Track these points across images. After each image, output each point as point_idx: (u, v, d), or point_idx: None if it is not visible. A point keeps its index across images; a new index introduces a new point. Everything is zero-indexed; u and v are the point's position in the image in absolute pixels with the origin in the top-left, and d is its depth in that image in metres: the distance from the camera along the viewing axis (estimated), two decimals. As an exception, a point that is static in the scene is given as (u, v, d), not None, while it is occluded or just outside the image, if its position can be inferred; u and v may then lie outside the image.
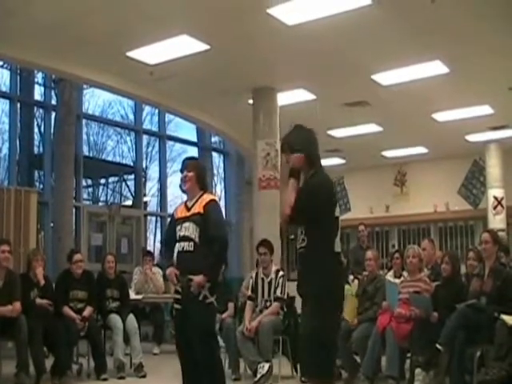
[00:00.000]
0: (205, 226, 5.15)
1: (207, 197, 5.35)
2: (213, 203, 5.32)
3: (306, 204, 4.23)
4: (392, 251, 9.78)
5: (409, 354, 6.73)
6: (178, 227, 5.27)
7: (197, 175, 5.37)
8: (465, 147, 14.90)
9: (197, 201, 5.30)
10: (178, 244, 5.24)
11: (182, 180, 5.39)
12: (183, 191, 5.46)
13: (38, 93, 14.78)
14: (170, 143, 18.83)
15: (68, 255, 8.04)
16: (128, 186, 18.55)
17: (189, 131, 18.83)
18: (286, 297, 7.62)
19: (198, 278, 5.02)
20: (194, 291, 5.04)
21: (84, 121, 15.91)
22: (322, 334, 4.12)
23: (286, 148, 4.50)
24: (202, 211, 5.21)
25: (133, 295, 9.47)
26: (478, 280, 6.47)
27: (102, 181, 18.93)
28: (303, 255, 4.34)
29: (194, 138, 18.94)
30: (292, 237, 19.41)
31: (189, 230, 5.19)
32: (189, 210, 5.31)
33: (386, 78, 10.48)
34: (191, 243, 5.16)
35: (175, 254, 5.26)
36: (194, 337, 5.09)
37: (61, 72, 10.74)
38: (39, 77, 14.62)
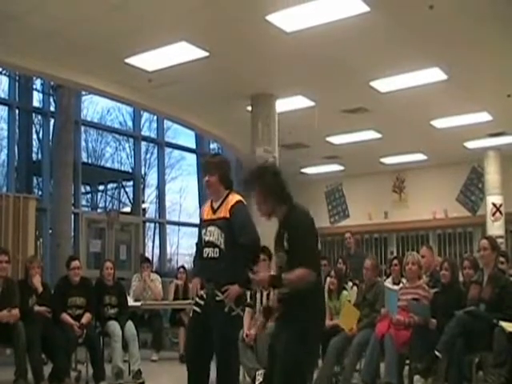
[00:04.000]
0: (231, 231, 4.88)
1: (233, 198, 5.03)
2: (238, 205, 4.97)
3: (311, 241, 4.16)
4: (390, 258, 9.76)
5: (407, 361, 6.72)
6: (204, 230, 5.03)
7: (220, 176, 5.04)
8: (463, 154, 14.91)
9: (222, 202, 5.02)
10: (203, 249, 5.01)
11: (205, 186, 5.14)
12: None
13: (36, 99, 14.83)
14: (168, 150, 18.88)
15: (66, 262, 8.03)
16: (126, 193, 18.55)
17: (187, 138, 18.87)
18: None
19: (233, 291, 4.81)
20: (227, 303, 4.82)
21: (82, 127, 15.93)
22: (304, 364, 4.06)
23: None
24: (227, 215, 4.93)
25: (131, 302, 9.45)
26: (477, 287, 6.46)
27: (101, 187, 18.92)
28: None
29: (193, 145, 18.96)
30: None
31: (214, 235, 4.93)
32: (214, 212, 5.03)
33: (385, 84, 10.49)
34: (216, 249, 4.90)
35: (200, 259, 5.06)
36: (216, 348, 4.90)
37: (59, 79, 10.74)
38: (38, 83, 14.64)
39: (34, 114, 14.95)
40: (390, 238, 17.86)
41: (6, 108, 13.89)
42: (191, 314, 5.16)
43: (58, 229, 13.20)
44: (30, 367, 6.93)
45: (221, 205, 5.02)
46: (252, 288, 4.95)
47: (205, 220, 5.07)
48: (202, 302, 4.96)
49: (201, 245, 5.07)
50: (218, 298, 4.82)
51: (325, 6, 7.71)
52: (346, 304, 7.60)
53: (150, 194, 19.76)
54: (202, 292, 4.96)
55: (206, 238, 4.97)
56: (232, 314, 4.88)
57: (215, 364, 4.91)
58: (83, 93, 14.71)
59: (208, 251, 4.94)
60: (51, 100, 14.43)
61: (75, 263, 7.90)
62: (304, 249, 4.02)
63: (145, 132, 18.33)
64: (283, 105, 11.38)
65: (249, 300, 7.67)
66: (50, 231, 13.53)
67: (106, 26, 8.42)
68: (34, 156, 15.19)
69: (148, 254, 17.18)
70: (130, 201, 18.11)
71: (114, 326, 7.95)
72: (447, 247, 16.80)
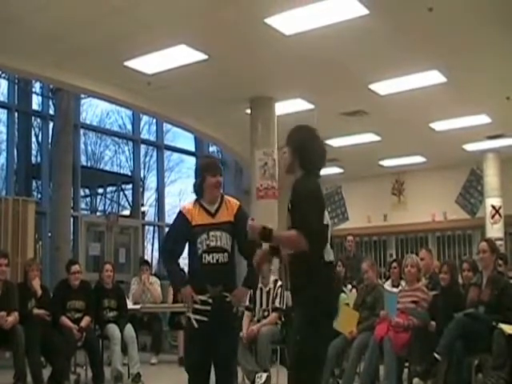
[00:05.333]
0: (235, 235, 4.81)
1: (233, 202, 4.97)
2: (243, 209, 4.96)
3: (314, 210, 4.03)
4: (390, 260, 9.77)
5: (407, 364, 6.72)
6: (204, 236, 4.77)
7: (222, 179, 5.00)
8: (462, 156, 14.93)
9: (220, 205, 4.89)
10: (205, 254, 4.76)
11: (214, 185, 4.88)
12: (200, 192, 4.93)
13: (35, 102, 14.80)
14: (167, 153, 18.87)
15: (66, 266, 8.03)
16: (126, 196, 18.56)
17: (187, 141, 18.87)
18: (284, 307, 7.61)
19: (241, 292, 4.83)
20: (235, 304, 4.78)
21: (82, 130, 15.91)
22: (310, 348, 3.94)
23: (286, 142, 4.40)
24: (232, 219, 4.84)
25: (130, 305, 9.44)
26: (476, 289, 6.47)
27: (100, 190, 18.92)
28: (291, 264, 4.13)
29: (192, 148, 18.95)
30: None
31: (222, 239, 4.77)
32: (213, 216, 4.86)
33: (384, 87, 10.50)
34: (226, 254, 4.77)
35: (200, 265, 4.78)
36: (228, 348, 4.79)
37: (59, 82, 10.75)
38: (37, 86, 14.62)
39: (33, 117, 14.94)
40: (390, 241, 17.87)
41: (6, 111, 13.85)
42: (195, 325, 4.75)
43: (58, 232, 13.19)
44: (29, 370, 6.93)
45: (219, 208, 4.89)
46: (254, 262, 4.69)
47: (203, 224, 4.83)
48: (208, 308, 4.71)
49: (196, 250, 4.80)
50: (227, 300, 4.73)
51: (324, 8, 7.71)
52: (343, 308, 7.59)
53: (150, 196, 19.79)
54: (202, 297, 4.73)
55: (212, 244, 4.77)
56: (238, 315, 4.90)
57: (215, 365, 4.84)
58: (82, 96, 14.69)
59: (218, 256, 4.76)
60: (50, 103, 14.43)
61: (75, 267, 7.89)
62: (300, 214, 3.98)
63: (144, 135, 18.35)
64: (282, 107, 11.38)
65: (248, 303, 7.69)
66: (50, 234, 13.52)
67: (105, 29, 8.42)
68: (34, 159, 15.18)
69: (147, 257, 17.18)
70: (129, 204, 18.12)
71: (113, 328, 7.95)
72: (446, 250, 16.81)
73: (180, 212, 4.96)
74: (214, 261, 4.76)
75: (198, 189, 4.95)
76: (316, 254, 4.00)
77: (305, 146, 4.29)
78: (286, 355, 7.51)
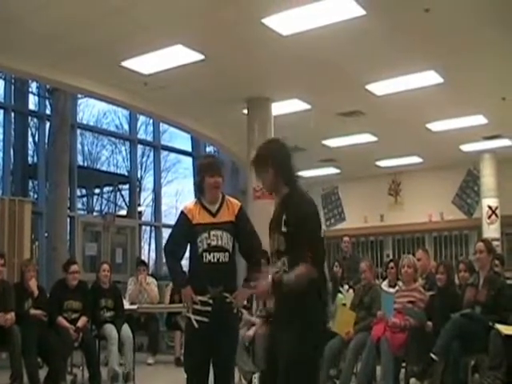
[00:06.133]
0: (236, 234, 4.81)
1: (234, 202, 4.97)
2: (243, 210, 4.96)
3: (313, 225, 3.86)
4: (386, 261, 9.78)
5: (404, 364, 6.72)
6: (205, 234, 4.78)
7: (223, 179, 4.95)
8: (459, 157, 14.95)
9: (221, 205, 4.90)
10: (206, 254, 4.75)
11: (212, 186, 4.86)
12: (201, 192, 4.95)
13: (32, 102, 14.83)
14: (164, 153, 18.89)
15: (64, 265, 8.00)
16: (122, 196, 18.57)
17: (183, 141, 18.91)
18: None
19: (242, 293, 4.79)
20: (236, 306, 4.74)
21: (78, 130, 15.92)
22: (310, 362, 3.79)
23: (258, 162, 4.10)
24: (233, 219, 4.84)
25: (127, 305, 9.43)
26: (473, 289, 6.48)
27: (97, 190, 18.94)
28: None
29: (189, 148, 18.97)
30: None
31: (222, 239, 4.77)
32: (214, 215, 4.86)
33: (380, 87, 10.50)
34: (227, 254, 4.76)
35: (201, 264, 4.78)
36: (227, 349, 4.80)
37: (55, 82, 10.74)
38: (33, 86, 14.63)
39: (29, 117, 14.96)
40: (386, 241, 17.88)
41: (2, 111, 13.86)
42: (195, 325, 4.73)
43: (54, 232, 13.19)
44: (26, 371, 6.90)
45: (220, 208, 4.90)
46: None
47: (204, 223, 4.83)
48: (208, 309, 4.70)
49: (197, 249, 4.81)
50: (228, 300, 4.69)
51: (321, 9, 7.71)
52: (340, 308, 7.60)
53: (146, 197, 19.81)
54: (202, 298, 4.71)
55: (213, 243, 4.77)
56: (239, 315, 4.86)
57: (215, 365, 4.83)
58: (79, 96, 14.69)
59: (218, 256, 4.75)
60: (47, 103, 14.43)
61: (74, 267, 7.87)
62: (305, 232, 3.76)
63: (141, 135, 18.36)
64: (279, 108, 11.39)
65: (246, 303, 7.68)
66: (46, 234, 13.52)
67: (101, 30, 8.41)
68: (30, 159, 15.19)
69: (144, 257, 17.18)
70: (125, 204, 18.13)
71: (110, 329, 7.94)
72: (443, 250, 16.83)
73: (181, 212, 4.97)
74: (215, 260, 4.75)
75: (198, 189, 4.98)
76: (320, 276, 3.81)
77: (285, 162, 4.04)
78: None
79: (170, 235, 5.09)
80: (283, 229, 3.81)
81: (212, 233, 4.78)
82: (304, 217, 3.80)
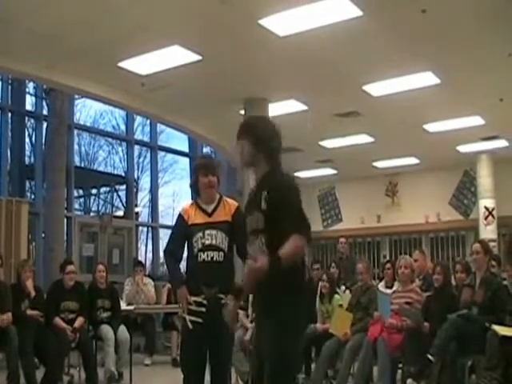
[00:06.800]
0: (232, 235, 4.79)
1: (231, 202, 4.98)
2: (241, 211, 4.74)
3: (297, 201, 3.65)
4: (383, 262, 9.79)
5: (400, 365, 6.73)
6: (200, 234, 4.79)
7: (218, 179, 4.95)
8: (456, 158, 14.95)
9: (217, 205, 4.91)
10: (200, 253, 4.78)
11: (207, 185, 4.88)
12: (196, 193, 5.00)
13: (29, 103, 14.81)
14: (161, 154, 18.89)
15: (61, 265, 8.01)
16: (119, 197, 18.55)
17: (180, 142, 18.88)
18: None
19: (232, 311, 4.50)
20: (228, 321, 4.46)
21: (75, 131, 15.92)
22: (291, 354, 3.62)
23: (241, 130, 3.95)
24: (229, 219, 4.84)
25: (124, 306, 9.43)
26: (469, 290, 6.48)
27: (94, 191, 18.92)
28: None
29: (186, 149, 18.96)
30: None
31: (217, 238, 4.78)
32: (210, 215, 4.89)
33: (377, 88, 10.51)
34: (221, 253, 4.76)
35: (196, 263, 4.79)
36: (223, 350, 4.78)
37: (52, 82, 10.73)
38: (30, 87, 14.63)
39: (26, 118, 14.95)
40: (383, 242, 17.88)
41: (-1, 111, 13.88)
42: (190, 326, 4.73)
43: (51, 233, 13.17)
44: (23, 372, 6.92)
45: (216, 208, 4.92)
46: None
47: (198, 224, 4.86)
48: (202, 309, 4.70)
49: (192, 248, 4.85)
50: (222, 301, 4.61)
51: (318, 10, 7.71)
52: (337, 310, 7.61)
53: (143, 197, 19.81)
54: (197, 299, 4.72)
55: (207, 242, 4.78)
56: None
57: (211, 366, 4.83)
58: (76, 96, 14.70)
59: (212, 255, 4.76)
60: (44, 103, 14.42)
61: (70, 267, 7.88)
62: (290, 209, 3.56)
63: (138, 136, 18.37)
64: (276, 109, 11.37)
65: (242, 303, 7.68)
66: (43, 235, 13.50)
67: (98, 31, 8.41)
68: (27, 160, 15.18)
69: (141, 258, 17.18)
70: (122, 205, 18.11)
71: (106, 329, 7.95)
72: (440, 251, 16.82)
73: (179, 213, 5.02)
74: (209, 258, 4.76)
75: (194, 189, 5.01)
76: (298, 267, 3.60)
77: (269, 138, 3.82)
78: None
79: (169, 237, 5.12)
80: (263, 206, 3.63)
81: (207, 232, 4.80)
82: (288, 192, 3.63)
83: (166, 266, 5.29)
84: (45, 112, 14.27)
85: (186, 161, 19.56)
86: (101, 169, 20.02)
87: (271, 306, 3.61)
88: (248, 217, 3.84)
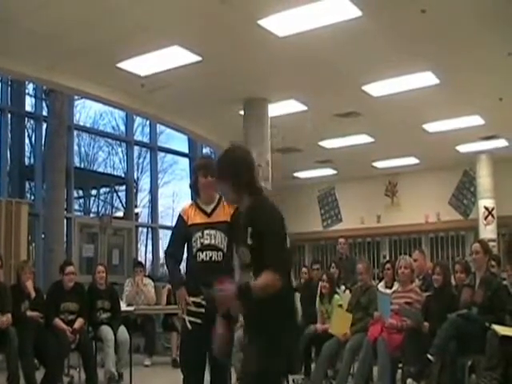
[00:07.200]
0: (231, 235, 4.79)
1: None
2: (240, 212, 4.69)
3: (279, 237, 3.61)
4: (383, 262, 9.80)
5: (400, 365, 6.73)
6: (199, 233, 4.84)
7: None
8: (455, 158, 14.95)
9: (217, 206, 4.95)
10: (199, 253, 4.81)
11: (206, 186, 4.92)
12: (196, 193, 5.04)
13: (29, 104, 14.79)
14: (161, 154, 18.88)
15: (60, 266, 8.02)
16: (119, 197, 18.53)
17: (180, 142, 18.86)
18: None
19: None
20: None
21: (75, 132, 15.90)
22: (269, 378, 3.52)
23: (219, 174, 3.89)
24: (228, 219, 4.85)
25: (124, 307, 9.44)
26: (469, 290, 6.48)
27: (94, 192, 18.90)
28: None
29: (186, 149, 18.95)
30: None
31: (216, 238, 4.82)
32: (209, 215, 4.92)
33: (377, 88, 10.51)
34: (220, 253, 4.80)
35: (195, 263, 4.83)
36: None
37: (52, 83, 10.72)
38: (30, 88, 14.62)
39: (26, 119, 14.94)
40: (383, 242, 17.88)
41: (-1, 113, 13.87)
42: (189, 326, 4.80)
43: (51, 234, 13.16)
44: (22, 373, 6.91)
45: (215, 208, 4.95)
46: None
47: (197, 224, 4.90)
48: (202, 310, 4.73)
49: (191, 248, 4.89)
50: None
51: (317, 10, 7.72)
52: (336, 310, 7.61)
53: (143, 198, 19.81)
54: (196, 299, 4.76)
55: (206, 242, 4.82)
56: (233, 318, 4.78)
57: (211, 365, 4.83)
58: (76, 97, 14.70)
59: (211, 254, 4.80)
60: (44, 104, 14.41)
61: (70, 268, 7.88)
62: (270, 244, 3.52)
63: (137, 136, 18.36)
64: (276, 109, 11.38)
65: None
66: (43, 236, 13.49)
67: (98, 31, 8.40)
68: (27, 160, 15.18)
69: (141, 259, 17.16)
70: (122, 205, 18.10)
71: (106, 330, 7.95)
72: (440, 251, 16.82)
73: (179, 214, 5.06)
74: (208, 258, 4.79)
75: (193, 189, 5.04)
76: (285, 287, 3.57)
77: (245, 172, 3.75)
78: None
79: (170, 239, 5.14)
80: (248, 241, 3.60)
81: (206, 232, 4.83)
82: (266, 227, 3.56)
83: (166, 267, 5.29)
84: (44, 113, 14.25)
85: (185, 161, 19.55)
86: (100, 170, 20.04)
87: (258, 328, 3.59)
88: (237, 251, 3.87)
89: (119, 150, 19.47)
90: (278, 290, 3.44)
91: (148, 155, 18.46)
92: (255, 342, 3.60)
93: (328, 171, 16.76)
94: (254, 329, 3.65)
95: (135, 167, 18.26)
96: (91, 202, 19.07)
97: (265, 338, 3.52)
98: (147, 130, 18.32)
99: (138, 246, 17.92)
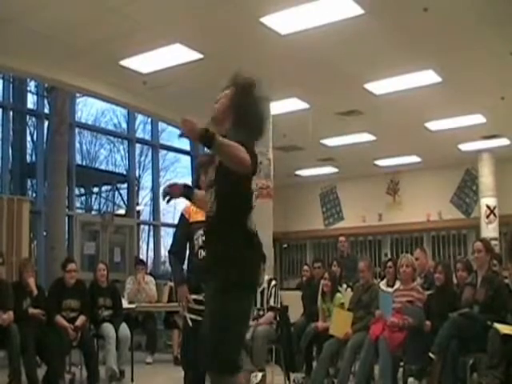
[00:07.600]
0: None
1: None
2: None
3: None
4: (385, 260, 9.79)
5: (402, 363, 6.73)
6: (200, 232, 4.82)
7: None
8: (457, 156, 14.95)
9: None
10: (201, 250, 4.83)
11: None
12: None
13: (30, 101, 14.76)
14: (163, 152, 18.85)
15: (62, 264, 8.01)
16: (121, 195, 18.51)
17: (182, 140, 18.83)
18: (279, 306, 7.61)
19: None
20: None
21: (77, 129, 15.87)
22: (232, 320, 3.43)
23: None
24: None
25: (125, 304, 9.44)
26: (471, 289, 6.48)
27: (95, 189, 18.89)
28: (211, 227, 3.61)
29: (188, 147, 18.93)
30: (285, 246, 19.48)
31: None
32: None
33: (379, 87, 10.50)
34: None
35: (196, 261, 4.86)
36: None
37: (54, 80, 10.72)
38: (32, 85, 14.60)
39: (28, 116, 14.90)
40: (385, 241, 17.88)
41: (0, 110, 13.81)
42: (189, 323, 4.82)
43: (52, 231, 13.15)
44: (24, 370, 6.92)
45: None
46: None
47: (200, 221, 4.79)
48: (202, 308, 4.48)
49: (193, 246, 4.94)
50: None
51: (319, 8, 7.71)
52: (335, 311, 7.61)
53: (145, 196, 19.77)
54: (197, 297, 4.76)
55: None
56: None
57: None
58: (77, 95, 14.66)
59: None
60: (45, 102, 14.39)
61: (71, 266, 7.88)
62: (248, 133, 3.57)
63: (139, 134, 18.32)
64: (278, 107, 11.36)
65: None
66: (44, 234, 13.48)
67: (100, 29, 8.41)
68: (28, 158, 15.15)
69: (142, 257, 17.14)
70: (124, 203, 18.08)
71: (108, 328, 7.95)
72: (441, 249, 16.83)
73: (181, 213, 5.10)
74: None
75: (195, 187, 4.98)
76: (241, 218, 3.51)
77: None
78: (282, 354, 7.53)
79: (173, 238, 5.18)
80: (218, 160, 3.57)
81: None
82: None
83: (170, 265, 5.29)
84: (46, 110, 14.24)
85: (187, 159, 19.52)
86: (102, 167, 20.01)
87: (218, 269, 3.51)
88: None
89: (121, 147, 19.45)
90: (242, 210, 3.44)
91: (150, 153, 18.42)
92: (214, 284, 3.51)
93: (330, 169, 16.77)
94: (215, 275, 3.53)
95: (137, 165, 18.20)
96: (93, 199, 19.08)
97: (223, 278, 3.44)
98: (149, 127, 18.28)
99: (140, 243, 17.92)
